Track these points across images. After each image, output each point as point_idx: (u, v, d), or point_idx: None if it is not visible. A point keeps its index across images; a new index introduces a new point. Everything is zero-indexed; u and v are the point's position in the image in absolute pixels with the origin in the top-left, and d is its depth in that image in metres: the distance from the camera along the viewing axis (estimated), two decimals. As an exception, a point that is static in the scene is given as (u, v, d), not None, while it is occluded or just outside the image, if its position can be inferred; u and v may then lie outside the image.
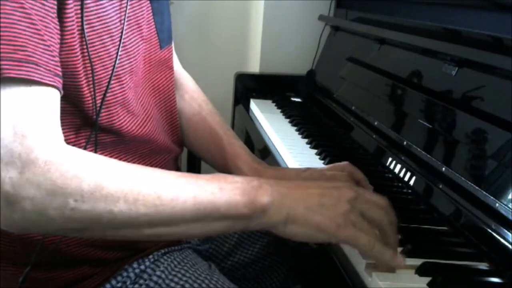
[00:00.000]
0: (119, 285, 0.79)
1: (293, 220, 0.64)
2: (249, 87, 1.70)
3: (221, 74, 1.91)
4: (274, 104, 1.56)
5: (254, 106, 1.55)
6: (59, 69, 0.63)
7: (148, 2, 0.83)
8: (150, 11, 0.84)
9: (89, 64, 0.70)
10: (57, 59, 0.63)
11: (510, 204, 0.71)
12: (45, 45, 0.61)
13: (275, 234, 0.66)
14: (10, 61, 0.57)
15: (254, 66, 1.84)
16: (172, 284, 0.79)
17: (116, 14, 0.75)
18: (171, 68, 0.91)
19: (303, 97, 1.64)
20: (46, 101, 0.60)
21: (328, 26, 1.68)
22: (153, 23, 0.84)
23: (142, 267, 0.81)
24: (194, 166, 1.67)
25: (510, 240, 0.68)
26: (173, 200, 0.61)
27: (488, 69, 0.89)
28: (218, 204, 0.62)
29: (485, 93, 0.89)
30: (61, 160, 0.58)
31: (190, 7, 1.98)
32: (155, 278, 0.79)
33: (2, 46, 0.57)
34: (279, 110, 1.49)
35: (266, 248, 1.00)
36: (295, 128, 1.31)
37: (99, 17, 0.71)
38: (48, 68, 0.60)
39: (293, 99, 1.64)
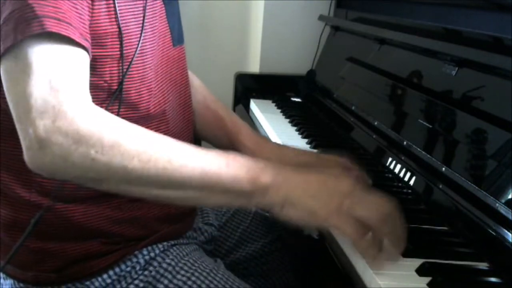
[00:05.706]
0: (128, 269, 0.81)
1: (290, 203, 0.68)
2: (249, 87, 1.70)
3: (221, 74, 1.90)
4: (274, 104, 1.56)
5: (254, 106, 1.55)
6: (89, 36, 0.70)
7: (161, 3, 0.85)
8: (164, 12, 0.86)
9: (116, 36, 0.74)
10: (87, 27, 0.69)
11: (510, 204, 0.71)
12: (77, 12, 0.68)
13: (277, 232, 0.67)
14: (51, 18, 0.64)
15: (254, 66, 1.84)
16: (182, 272, 0.81)
17: None
18: (184, 68, 0.93)
19: (303, 97, 1.64)
20: (79, 61, 0.67)
21: (328, 26, 1.68)
22: (166, 21, 0.87)
23: (152, 254, 0.82)
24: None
25: (510, 240, 0.68)
26: (182, 167, 0.66)
27: (488, 69, 0.89)
28: (223, 177, 0.67)
29: (485, 93, 0.89)
30: (88, 115, 0.64)
31: (190, 7, 1.98)
32: (164, 265, 0.81)
33: (43, 6, 0.64)
34: (279, 110, 1.49)
35: (269, 246, 1.01)
36: (295, 128, 1.31)
37: None
38: (80, 32, 0.67)
39: (293, 99, 1.65)
